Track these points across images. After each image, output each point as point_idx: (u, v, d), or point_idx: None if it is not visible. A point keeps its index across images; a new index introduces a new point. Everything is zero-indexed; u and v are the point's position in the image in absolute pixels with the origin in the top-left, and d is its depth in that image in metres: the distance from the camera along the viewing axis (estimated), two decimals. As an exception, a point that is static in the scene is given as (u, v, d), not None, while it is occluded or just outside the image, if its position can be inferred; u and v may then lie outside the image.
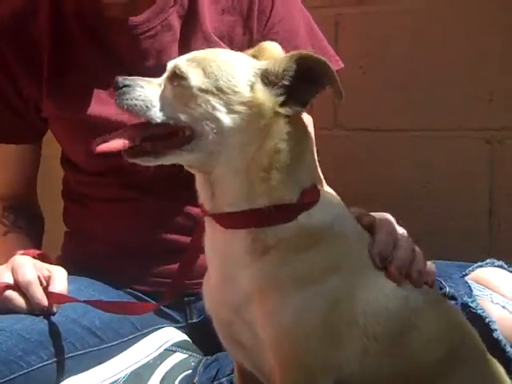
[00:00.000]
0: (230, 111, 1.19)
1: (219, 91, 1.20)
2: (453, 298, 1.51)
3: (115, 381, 1.59)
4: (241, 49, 1.58)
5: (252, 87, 1.20)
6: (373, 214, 1.38)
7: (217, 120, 1.19)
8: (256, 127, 1.19)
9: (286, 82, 1.20)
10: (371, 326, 1.24)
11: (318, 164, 1.34)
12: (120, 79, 1.23)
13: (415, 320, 1.27)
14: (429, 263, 1.36)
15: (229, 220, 1.23)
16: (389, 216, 1.39)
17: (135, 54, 1.72)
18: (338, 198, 1.35)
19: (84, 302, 1.57)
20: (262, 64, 1.23)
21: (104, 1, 1.75)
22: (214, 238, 1.27)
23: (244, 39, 1.76)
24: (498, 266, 1.61)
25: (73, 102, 1.74)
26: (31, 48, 1.77)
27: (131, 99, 1.22)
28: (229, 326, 1.29)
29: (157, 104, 1.22)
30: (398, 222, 1.42)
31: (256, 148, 1.19)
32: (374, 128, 2.41)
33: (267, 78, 1.20)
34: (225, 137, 1.19)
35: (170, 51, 1.73)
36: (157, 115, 1.22)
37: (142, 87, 1.23)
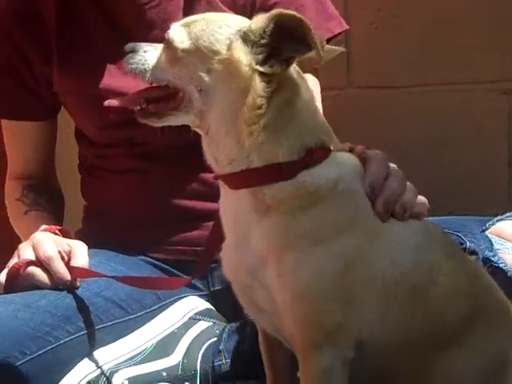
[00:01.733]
0: (210, 70, 1.25)
1: (199, 51, 1.25)
2: (474, 252, 1.51)
3: (142, 351, 1.61)
4: (243, 13, 1.58)
5: (230, 45, 1.24)
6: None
7: (199, 79, 1.25)
8: (236, 84, 1.23)
9: (264, 41, 1.22)
10: (389, 285, 1.24)
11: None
12: (127, 45, 1.32)
13: (435, 275, 1.27)
14: (420, 196, 1.35)
15: (231, 180, 1.27)
16: (381, 152, 1.37)
17: (141, 25, 1.72)
18: (353, 158, 1.33)
19: (111, 277, 1.58)
20: (245, 24, 1.25)
21: None
22: (225, 200, 1.31)
23: (246, 2, 1.75)
24: (519, 219, 1.60)
25: (82, 76, 1.75)
26: (39, 25, 1.78)
27: (133, 63, 1.31)
28: (248, 290, 1.30)
29: (154, 67, 1.30)
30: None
31: (240, 105, 1.23)
32: (388, 85, 2.39)
33: (248, 37, 1.23)
34: (209, 95, 1.25)
35: (174, 20, 1.70)
36: (152, 77, 1.31)
37: (144, 52, 1.32)
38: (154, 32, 1.72)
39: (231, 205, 1.30)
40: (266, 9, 1.70)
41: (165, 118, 1.31)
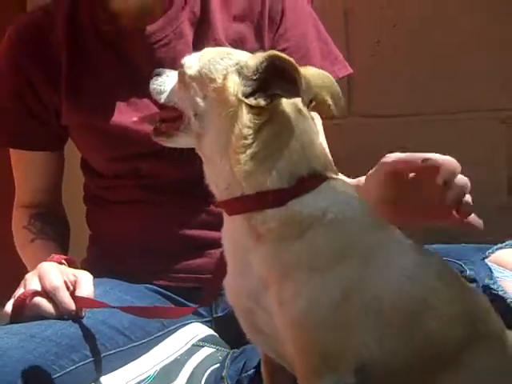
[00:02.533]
0: (205, 96, 1.33)
1: (201, 77, 1.34)
2: (473, 280, 1.52)
3: (145, 378, 1.62)
4: None
5: (225, 76, 1.31)
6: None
7: (195, 104, 1.34)
8: (226, 112, 1.30)
9: (256, 76, 1.29)
10: (385, 311, 1.26)
11: (327, 153, 1.35)
12: (155, 70, 1.44)
13: (431, 301, 1.29)
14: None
15: (228, 206, 1.32)
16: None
17: (150, 63, 1.74)
18: (347, 183, 1.36)
19: (115, 308, 1.60)
20: (245, 59, 1.33)
21: (115, 9, 1.79)
22: (226, 226, 1.35)
23: (255, 46, 1.78)
24: (518, 247, 1.62)
25: (91, 111, 1.78)
26: (50, 58, 1.81)
27: (154, 84, 1.42)
28: (250, 314, 1.33)
29: (168, 89, 1.41)
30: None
31: (230, 133, 1.30)
32: (388, 114, 2.42)
33: (243, 71, 1.31)
34: (203, 120, 1.33)
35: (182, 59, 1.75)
36: (164, 98, 1.41)
37: (167, 76, 1.43)
38: None
39: (230, 231, 1.34)
40: None
41: (171, 138, 1.40)
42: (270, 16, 1.79)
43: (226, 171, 1.30)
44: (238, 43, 1.77)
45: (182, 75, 1.37)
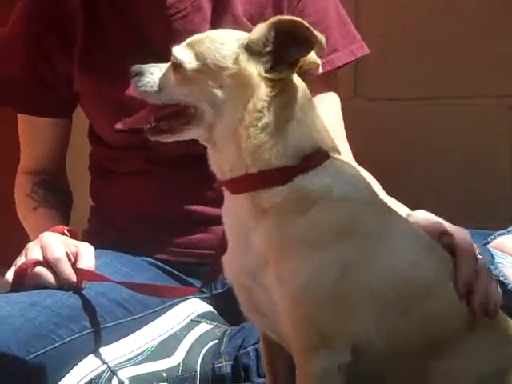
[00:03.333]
0: (221, 85, 1.28)
1: (209, 69, 1.29)
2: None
3: (143, 351, 1.63)
4: None
5: (236, 59, 1.28)
6: (449, 227, 1.39)
7: (212, 95, 1.29)
8: (246, 96, 1.27)
9: (269, 49, 1.27)
10: (385, 293, 1.26)
11: (328, 131, 1.35)
12: (133, 68, 1.36)
13: (432, 284, 1.29)
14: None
15: (232, 185, 1.31)
16: (468, 236, 1.40)
17: (167, 35, 1.73)
18: (353, 166, 1.36)
19: (117, 282, 1.61)
20: (245, 36, 1.30)
21: None
22: (227, 205, 1.35)
23: None
24: (520, 234, 1.62)
25: (104, 81, 1.78)
26: (64, 27, 1.80)
27: (142, 86, 1.35)
28: (248, 292, 1.33)
29: (163, 88, 1.34)
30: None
31: (245, 112, 1.28)
32: (395, 97, 2.41)
33: (252, 48, 1.28)
34: (220, 109, 1.29)
35: (200, 32, 1.74)
36: (163, 98, 1.34)
37: (151, 73, 1.35)
38: (180, 43, 1.75)
39: (232, 209, 1.33)
40: None
41: (178, 133, 1.34)
42: None
43: (231, 153, 1.28)
44: (255, 19, 1.76)
45: (183, 71, 1.31)
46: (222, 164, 1.31)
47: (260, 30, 1.28)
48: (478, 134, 2.32)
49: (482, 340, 1.31)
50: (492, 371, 1.31)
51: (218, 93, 1.28)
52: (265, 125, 1.26)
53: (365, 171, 1.72)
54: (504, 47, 2.29)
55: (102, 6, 1.80)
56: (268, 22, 1.27)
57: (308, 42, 1.25)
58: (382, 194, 1.64)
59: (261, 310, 1.33)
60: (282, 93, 1.27)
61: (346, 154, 1.82)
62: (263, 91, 1.26)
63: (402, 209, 1.58)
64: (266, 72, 1.26)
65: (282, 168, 1.27)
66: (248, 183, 1.29)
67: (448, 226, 1.39)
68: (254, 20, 1.75)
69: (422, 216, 1.40)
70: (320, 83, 1.78)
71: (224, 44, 1.29)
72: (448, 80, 2.36)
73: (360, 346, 1.26)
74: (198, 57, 1.30)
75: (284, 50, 1.26)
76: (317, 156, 1.29)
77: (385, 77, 2.42)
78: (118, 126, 1.39)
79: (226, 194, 1.34)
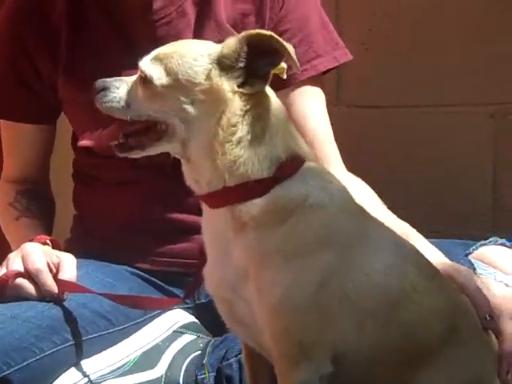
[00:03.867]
0: (193, 101, 1.28)
1: (180, 85, 1.28)
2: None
3: (126, 363, 1.63)
4: None
5: (208, 75, 1.27)
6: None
7: (183, 111, 1.28)
8: (218, 111, 1.27)
9: (241, 64, 1.27)
10: (364, 301, 1.26)
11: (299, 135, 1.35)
12: (97, 83, 1.35)
13: (410, 293, 1.29)
14: None
15: (210, 199, 1.31)
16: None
17: (151, 41, 1.72)
18: (325, 170, 1.36)
19: (99, 294, 1.60)
20: (216, 50, 1.29)
21: None
22: (206, 218, 1.35)
23: (256, 27, 1.76)
24: (501, 244, 1.63)
25: (87, 86, 1.75)
26: (49, 31, 1.79)
27: (108, 102, 1.33)
28: (229, 305, 1.33)
29: (130, 104, 1.32)
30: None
31: (218, 127, 1.27)
32: (377, 105, 2.42)
33: (224, 63, 1.27)
34: (192, 124, 1.28)
35: (184, 38, 1.74)
36: (131, 114, 1.32)
37: (117, 88, 1.34)
38: None
39: (210, 222, 1.33)
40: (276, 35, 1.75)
41: (148, 149, 1.34)
42: None
43: (207, 169, 1.28)
44: (238, 24, 1.77)
45: (152, 87, 1.29)
46: (198, 179, 1.31)
47: (231, 44, 1.28)
48: (459, 141, 2.32)
49: (461, 351, 1.32)
50: (469, 381, 1.32)
51: (190, 108, 1.27)
52: (239, 139, 1.26)
53: (360, 181, 1.72)
54: (485, 56, 2.30)
55: (89, 10, 1.79)
56: (238, 36, 1.27)
57: (278, 53, 1.25)
58: (381, 208, 1.64)
59: (243, 322, 1.33)
60: (256, 105, 1.28)
61: (336, 163, 1.82)
62: (237, 105, 1.26)
63: (405, 226, 1.57)
64: (238, 87, 1.27)
65: (259, 180, 1.27)
66: (226, 197, 1.28)
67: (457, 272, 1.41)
68: (237, 26, 1.76)
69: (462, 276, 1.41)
70: (304, 90, 1.78)
71: (196, 60, 1.28)
72: (429, 88, 2.36)
73: (340, 355, 1.26)
74: (168, 72, 1.28)
75: (255, 63, 1.26)
76: (291, 163, 1.29)
77: (367, 84, 2.42)
78: (83, 142, 1.39)
79: (204, 207, 1.34)
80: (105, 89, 1.33)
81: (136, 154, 1.35)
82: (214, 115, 1.27)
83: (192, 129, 1.28)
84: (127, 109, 1.32)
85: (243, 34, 1.27)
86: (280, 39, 1.24)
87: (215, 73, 1.27)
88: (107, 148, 1.76)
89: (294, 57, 1.25)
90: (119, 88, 1.33)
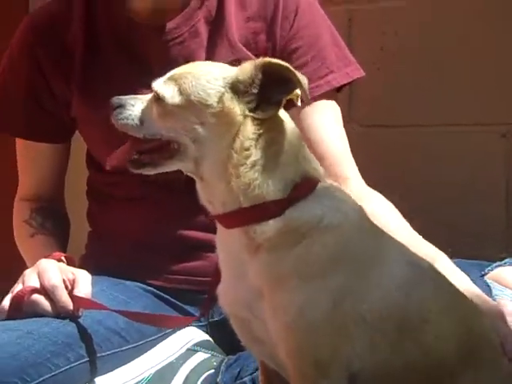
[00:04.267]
0: (203, 123, 1.29)
1: (192, 105, 1.30)
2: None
3: (139, 381, 1.62)
4: (265, 55, 1.61)
5: (221, 98, 1.29)
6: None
7: (193, 131, 1.29)
8: (230, 133, 1.28)
9: (255, 90, 1.28)
10: (378, 321, 1.26)
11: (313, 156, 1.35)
12: (113, 100, 1.37)
13: (425, 312, 1.29)
14: None
15: (225, 220, 1.32)
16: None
17: (164, 61, 1.74)
18: (339, 189, 1.36)
19: (114, 311, 1.60)
20: (231, 74, 1.31)
21: (132, 6, 1.79)
22: (220, 238, 1.35)
23: (268, 45, 1.78)
24: (517, 266, 1.63)
25: (101, 105, 1.77)
26: (64, 52, 1.81)
27: (123, 119, 1.35)
28: (245, 323, 1.33)
29: (144, 122, 1.34)
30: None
31: (231, 150, 1.28)
32: (389, 124, 2.42)
33: (237, 88, 1.29)
34: (203, 145, 1.30)
35: (196, 58, 1.76)
36: (144, 132, 1.34)
37: (132, 106, 1.36)
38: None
39: (225, 242, 1.34)
40: (287, 52, 1.77)
41: (160, 167, 1.36)
42: (283, 15, 1.79)
43: (221, 190, 1.29)
44: (250, 43, 1.78)
45: (165, 106, 1.31)
46: (212, 199, 1.32)
47: (246, 70, 1.29)
48: (471, 161, 2.33)
49: (477, 371, 1.30)
50: None
51: (200, 129, 1.29)
52: (254, 163, 1.27)
53: (380, 196, 1.72)
54: (496, 75, 2.31)
55: (103, 33, 1.81)
56: (255, 62, 1.29)
57: (292, 83, 1.27)
58: (407, 228, 1.64)
59: (258, 339, 1.33)
60: (269, 129, 1.29)
61: (355, 178, 1.82)
62: (249, 129, 1.28)
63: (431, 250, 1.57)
64: (250, 111, 1.28)
65: (274, 201, 1.28)
66: (241, 218, 1.29)
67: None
68: (249, 45, 1.77)
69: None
70: (319, 107, 1.79)
71: (210, 82, 1.30)
72: (440, 107, 2.37)
73: (356, 374, 1.26)
74: (181, 92, 1.30)
75: (269, 90, 1.28)
76: (306, 184, 1.29)
77: (378, 103, 2.43)
78: (110, 163, 1.43)
79: (219, 226, 1.34)
80: (120, 106, 1.35)
81: (148, 171, 1.38)
82: (224, 138, 1.28)
83: (203, 149, 1.29)
84: (141, 126, 1.34)
85: (260, 61, 1.28)
86: (295, 71, 1.26)
87: (227, 96, 1.28)
88: (120, 166, 1.79)
89: (307, 90, 1.27)
90: (134, 106, 1.35)
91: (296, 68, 1.74)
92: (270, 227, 1.27)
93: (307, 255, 1.26)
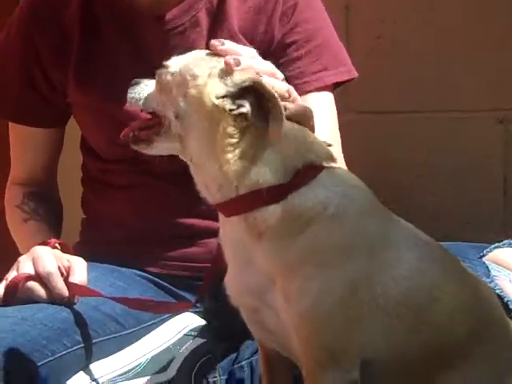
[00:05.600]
0: (185, 95, 1.29)
1: (181, 76, 1.31)
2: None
3: (136, 366, 1.61)
4: (261, 47, 1.62)
5: (209, 75, 1.29)
6: None
7: (176, 104, 1.30)
8: (207, 112, 1.27)
9: (233, 89, 1.26)
10: (392, 305, 1.25)
11: (322, 143, 1.33)
12: (133, 80, 1.40)
13: (436, 292, 1.28)
14: None
15: (224, 208, 1.30)
16: None
17: (163, 50, 1.71)
18: (349, 174, 1.34)
19: (109, 298, 1.59)
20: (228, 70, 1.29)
21: None
22: (223, 228, 1.34)
23: (265, 37, 1.78)
24: (516, 247, 1.62)
25: (98, 92, 1.77)
26: (61, 35, 1.79)
27: (131, 93, 1.39)
28: (254, 312, 1.32)
29: (146, 97, 1.38)
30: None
31: (214, 132, 1.27)
32: (385, 110, 2.42)
33: (225, 79, 1.28)
34: (184, 120, 1.30)
35: (197, 48, 1.72)
36: (143, 106, 1.38)
37: (145, 85, 1.39)
38: None
39: (229, 232, 1.33)
40: (284, 45, 1.77)
41: (152, 144, 1.37)
42: (282, 9, 1.78)
43: (215, 171, 1.28)
44: (249, 35, 1.77)
45: (161, 76, 1.34)
46: (208, 183, 1.30)
47: (243, 75, 1.27)
48: (469, 147, 2.33)
49: (490, 346, 1.30)
50: (503, 378, 1.30)
51: (181, 102, 1.29)
52: (241, 153, 1.26)
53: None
54: (493, 62, 2.31)
55: (101, 18, 1.79)
56: (253, 76, 1.27)
57: (264, 114, 1.24)
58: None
59: (269, 328, 1.32)
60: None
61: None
62: (230, 117, 1.26)
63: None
64: (216, 96, 1.26)
65: (272, 187, 1.26)
66: (239, 205, 1.28)
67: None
68: (248, 37, 1.76)
69: None
70: (312, 97, 1.78)
71: (205, 61, 1.31)
72: (438, 93, 2.37)
73: (369, 361, 1.26)
74: (178, 65, 1.33)
75: (244, 99, 1.25)
76: (309, 170, 1.28)
77: (375, 90, 2.42)
78: (121, 138, 1.43)
79: (220, 215, 1.33)
80: (136, 83, 1.39)
81: (142, 149, 1.39)
82: (203, 115, 1.27)
83: (185, 125, 1.29)
84: (140, 100, 1.38)
85: (257, 77, 1.27)
86: (279, 105, 1.23)
87: (214, 78, 1.28)
88: (117, 152, 1.78)
89: (280, 129, 1.24)
90: (147, 85, 1.38)
91: (290, 61, 1.79)
92: (269, 214, 1.26)
93: (315, 243, 1.25)
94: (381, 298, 1.25)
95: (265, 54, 1.74)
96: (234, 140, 1.25)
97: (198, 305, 1.80)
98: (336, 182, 1.29)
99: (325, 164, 1.30)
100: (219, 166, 1.27)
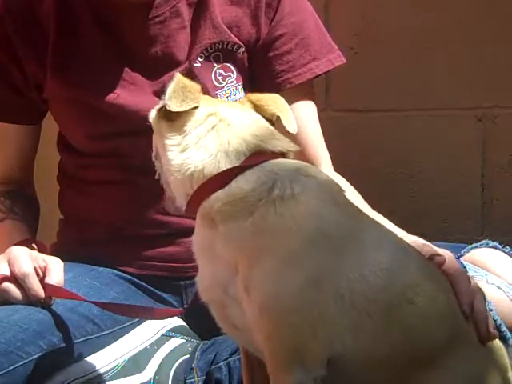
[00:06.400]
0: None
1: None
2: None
3: (114, 367, 1.61)
4: (249, 40, 1.60)
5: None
6: (438, 250, 1.38)
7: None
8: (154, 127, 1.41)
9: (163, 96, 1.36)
10: (360, 301, 1.23)
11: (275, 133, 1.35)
12: None
13: (411, 295, 1.26)
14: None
15: (188, 210, 1.35)
16: (454, 258, 1.41)
17: (142, 40, 1.72)
18: (308, 165, 1.34)
19: (87, 301, 1.59)
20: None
21: None
22: (195, 229, 1.36)
23: (252, 31, 1.77)
24: (493, 247, 1.62)
25: (78, 86, 1.74)
26: (36, 30, 1.77)
27: None
28: (222, 308, 1.32)
29: None
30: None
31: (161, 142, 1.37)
32: (364, 109, 2.42)
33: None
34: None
35: (177, 38, 1.73)
36: None
37: None
38: (155, 48, 1.73)
39: (196, 231, 1.35)
40: (271, 39, 1.77)
41: None
42: (266, 2, 1.78)
43: (170, 174, 1.35)
44: (233, 27, 1.76)
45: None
46: (173, 192, 1.37)
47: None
48: (447, 145, 2.33)
49: (465, 355, 1.29)
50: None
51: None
52: (182, 149, 1.32)
53: (346, 182, 1.72)
54: (473, 60, 2.31)
55: (76, 8, 1.76)
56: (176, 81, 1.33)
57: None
58: (365, 208, 1.63)
59: (236, 325, 1.32)
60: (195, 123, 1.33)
61: (326, 163, 1.84)
62: (164, 123, 1.35)
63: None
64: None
65: (218, 174, 1.28)
66: (195, 200, 1.31)
67: (436, 248, 1.38)
68: (233, 29, 1.76)
69: (409, 240, 1.39)
70: (298, 93, 1.78)
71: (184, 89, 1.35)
72: (417, 92, 2.37)
73: (336, 359, 1.24)
74: None
75: None
76: (257, 157, 1.29)
77: (354, 88, 2.42)
78: None
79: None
80: None
81: None
82: (156, 132, 1.39)
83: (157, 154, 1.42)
84: None
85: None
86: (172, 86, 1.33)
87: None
88: (96, 146, 1.76)
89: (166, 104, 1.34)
90: None
91: (279, 55, 1.79)
92: (215, 198, 1.28)
93: (265, 228, 1.24)
94: (346, 293, 1.22)
95: (254, 49, 1.76)
96: (173, 141, 1.33)
97: (176, 304, 1.80)
98: (285, 168, 1.29)
99: (274, 151, 1.30)
100: (171, 168, 1.33)
